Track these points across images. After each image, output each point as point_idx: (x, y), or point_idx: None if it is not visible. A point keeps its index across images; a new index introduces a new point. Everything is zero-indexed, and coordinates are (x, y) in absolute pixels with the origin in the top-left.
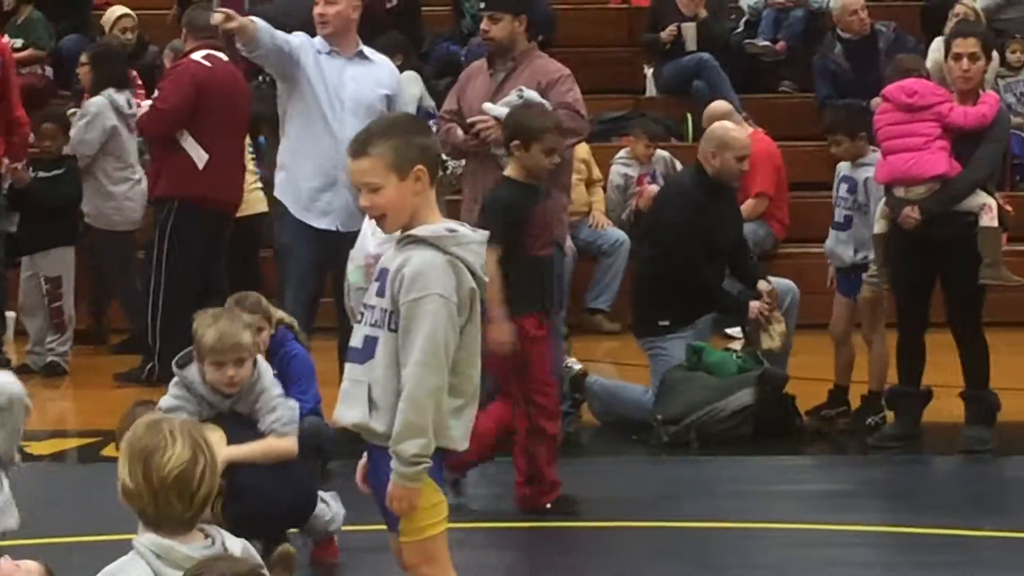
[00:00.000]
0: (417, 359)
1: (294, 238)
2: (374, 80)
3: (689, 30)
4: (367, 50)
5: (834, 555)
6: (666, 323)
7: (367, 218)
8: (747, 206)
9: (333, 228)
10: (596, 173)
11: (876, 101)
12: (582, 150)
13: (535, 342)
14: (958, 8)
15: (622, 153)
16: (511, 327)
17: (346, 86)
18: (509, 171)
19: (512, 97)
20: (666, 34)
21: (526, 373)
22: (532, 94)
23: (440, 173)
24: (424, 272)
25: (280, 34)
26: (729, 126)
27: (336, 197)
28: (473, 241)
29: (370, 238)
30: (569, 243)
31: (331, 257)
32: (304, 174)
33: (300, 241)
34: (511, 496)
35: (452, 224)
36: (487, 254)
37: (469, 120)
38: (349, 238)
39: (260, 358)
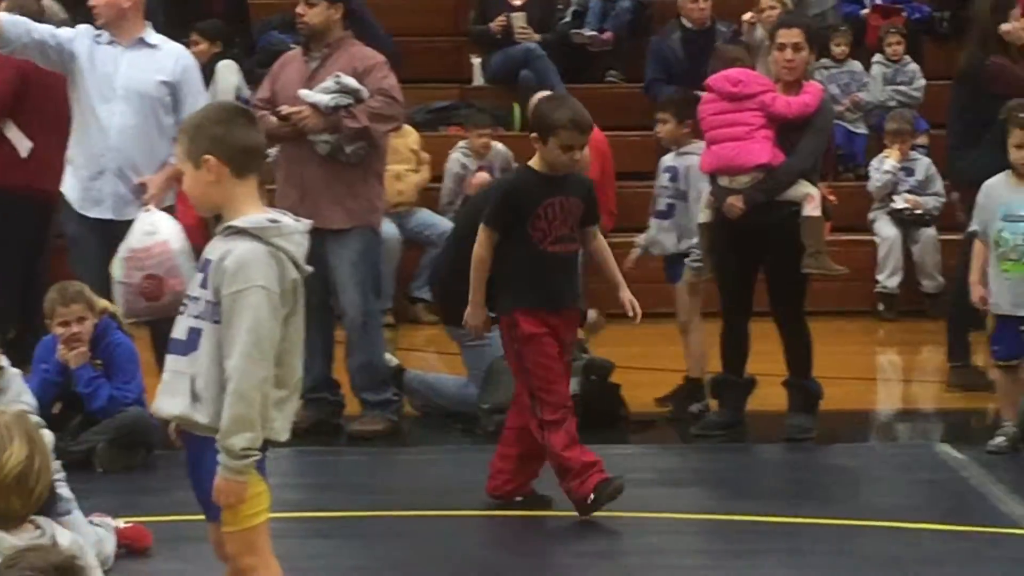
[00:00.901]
0: (241, 351)
1: (76, 229)
2: (152, 67)
3: (518, 19)
4: (154, 37)
5: (656, 542)
6: (494, 315)
7: (141, 210)
8: None
9: (106, 217)
10: (424, 156)
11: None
12: (412, 140)
13: (530, 340)
14: (763, 2)
15: (463, 143)
16: (483, 312)
17: (120, 74)
18: (533, 160)
19: (329, 83)
20: (495, 25)
21: (526, 371)
22: (349, 80)
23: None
24: (246, 264)
25: (43, 28)
26: None
27: (105, 185)
28: (296, 231)
29: (135, 233)
30: (394, 231)
31: (114, 246)
32: (79, 164)
33: (81, 232)
34: (335, 487)
35: (274, 214)
36: (481, 233)
37: (285, 111)
38: (126, 227)
39: (15, 370)
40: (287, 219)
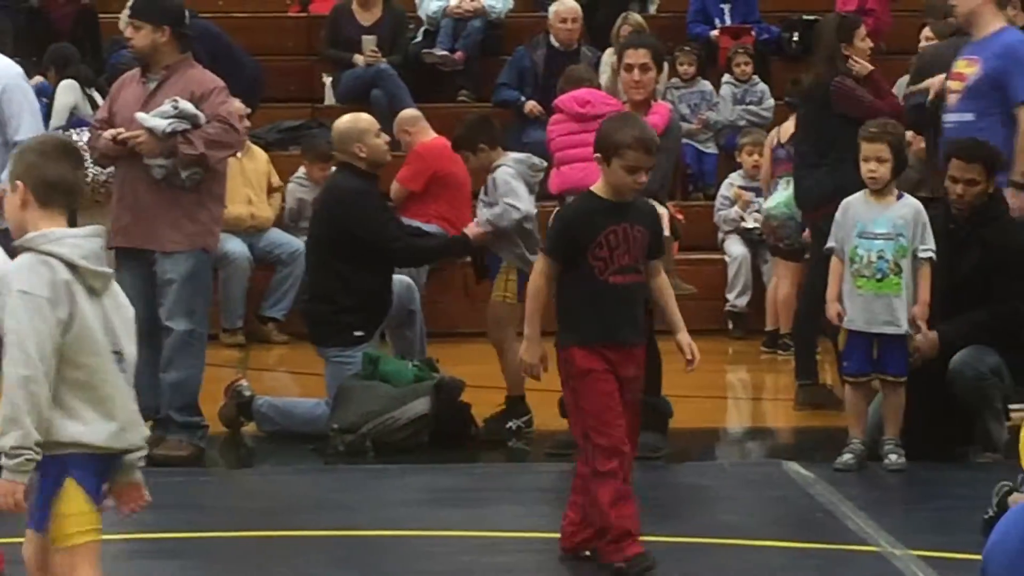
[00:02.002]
0: (5, 356)
1: None
2: None
3: (368, 43)
4: None
5: (508, 561)
6: (360, 334)
7: None
8: (392, 190)
9: None
10: (276, 181)
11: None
12: (262, 164)
13: (586, 376)
14: (625, 28)
15: (300, 172)
16: (538, 348)
17: None
18: (595, 185)
19: (167, 107)
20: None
21: (581, 410)
22: (187, 105)
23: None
24: (8, 274)
25: None
26: (349, 117)
27: None
28: (72, 236)
29: None
30: (244, 250)
31: None
32: None
33: None
34: (184, 507)
35: (52, 228)
36: (539, 261)
37: (121, 135)
38: None
39: None
40: (64, 230)
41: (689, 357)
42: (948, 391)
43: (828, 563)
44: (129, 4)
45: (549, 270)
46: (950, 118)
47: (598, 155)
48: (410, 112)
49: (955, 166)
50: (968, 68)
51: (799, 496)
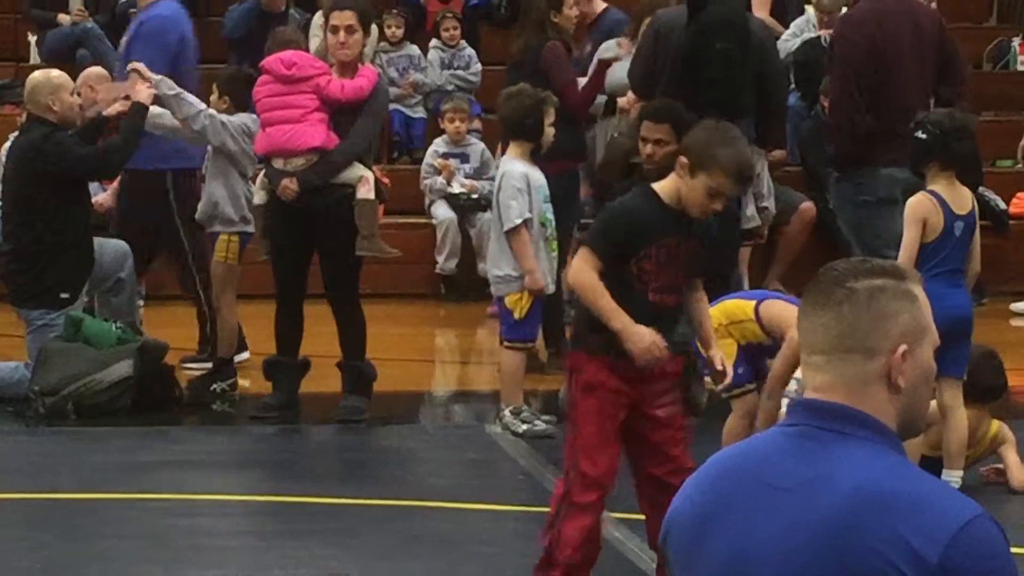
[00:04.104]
0: None
1: None
2: None
3: (76, 1)
4: None
5: (207, 524)
6: (66, 295)
7: None
8: None
9: None
10: None
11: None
12: None
13: (592, 390)
14: None
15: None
16: (640, 328)
17: None
18: (660, 184)
19: None
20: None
21: (575, 424)
22: None
23: None
24: None
25: None
26: (41, 72)
27: None
28: None
29: None
30: None
31: None
32: None
33: None
34: None
35: None
36: (582, 257)
37: None
38: None
39: None
40: None
41: (720, 368)
42: None
43: (527, 525)
44: None
45: (596, 265)
46: None
47: (685, 160)
48: (98, 70)
49: (645, 127)
50: None
51: (501, 459)
